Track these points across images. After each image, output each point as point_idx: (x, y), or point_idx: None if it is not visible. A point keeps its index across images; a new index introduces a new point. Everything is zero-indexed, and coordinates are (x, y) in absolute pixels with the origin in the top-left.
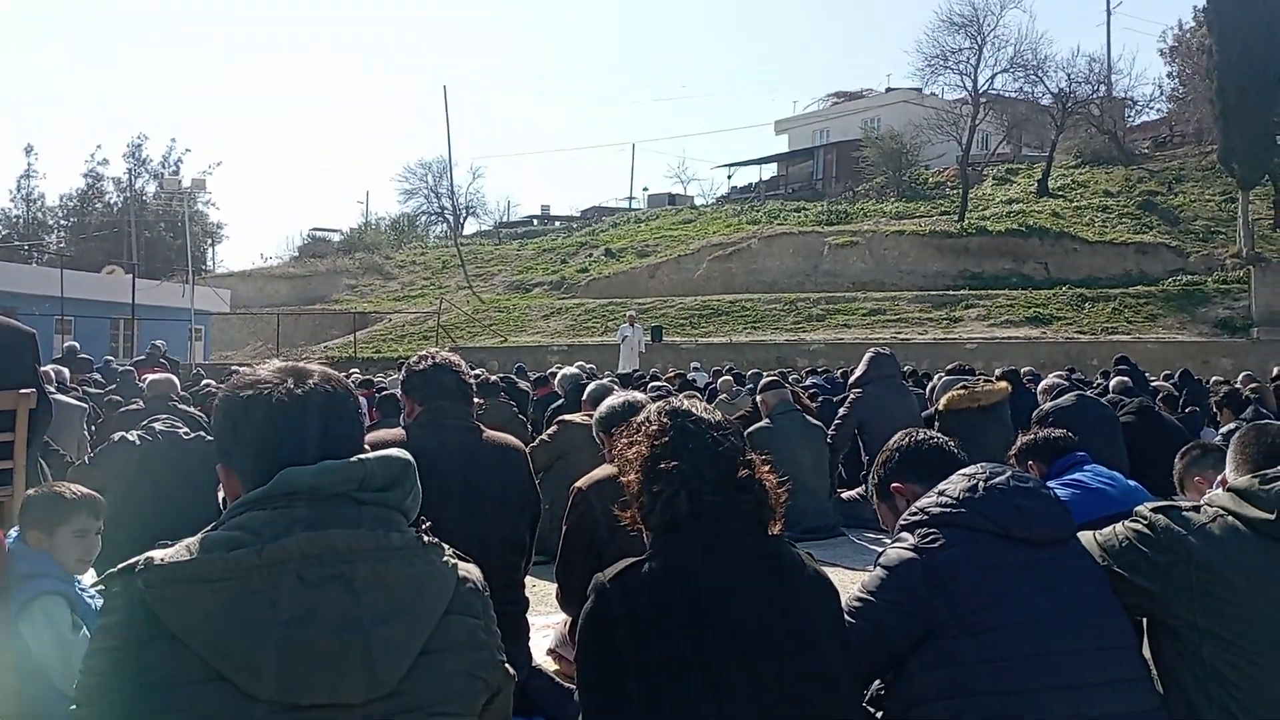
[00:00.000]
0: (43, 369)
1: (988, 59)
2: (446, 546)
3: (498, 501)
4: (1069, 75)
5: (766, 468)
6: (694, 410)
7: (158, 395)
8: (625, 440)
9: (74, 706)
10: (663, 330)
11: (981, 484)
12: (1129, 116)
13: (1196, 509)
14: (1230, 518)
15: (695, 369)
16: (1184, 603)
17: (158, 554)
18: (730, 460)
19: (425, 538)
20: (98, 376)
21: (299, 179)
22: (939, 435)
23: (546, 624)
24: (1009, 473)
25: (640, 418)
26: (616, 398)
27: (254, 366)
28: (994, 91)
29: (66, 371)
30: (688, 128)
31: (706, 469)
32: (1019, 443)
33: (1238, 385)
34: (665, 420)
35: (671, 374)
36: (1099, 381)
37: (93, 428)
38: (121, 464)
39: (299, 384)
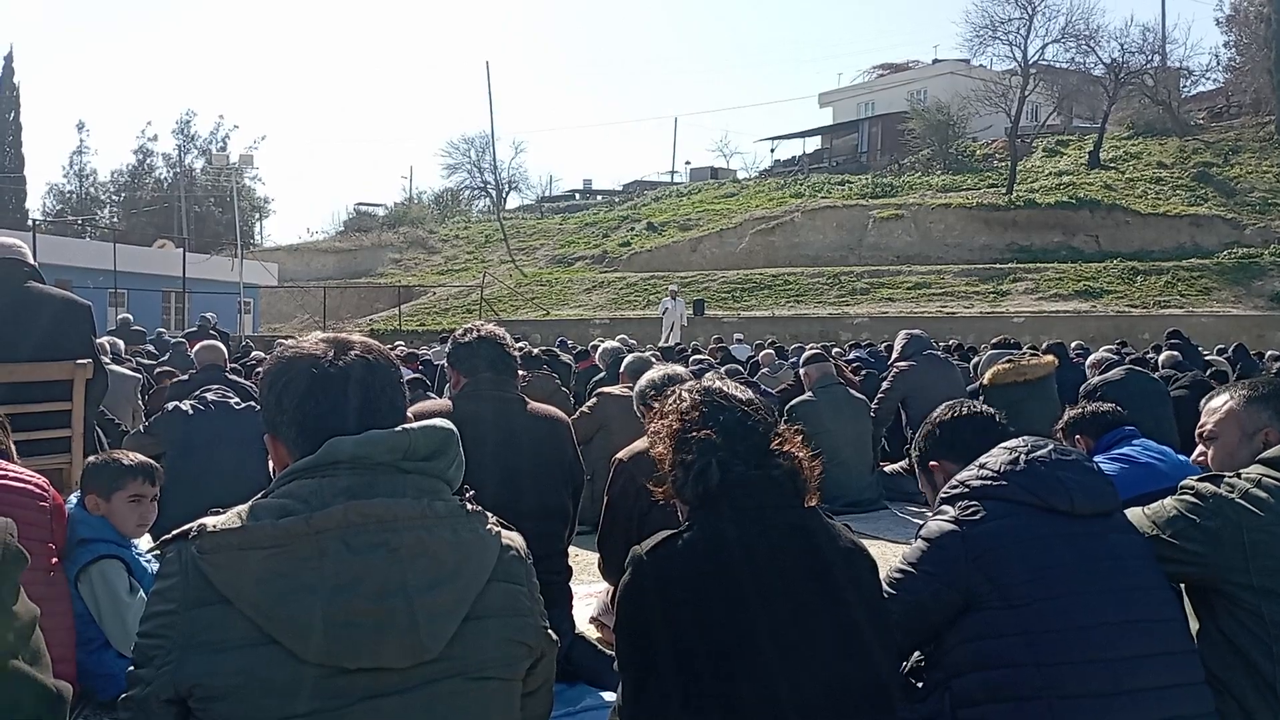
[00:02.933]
0: (98, 340)
1: (1038, 29)
2: (490, 514)
3: (541, 471)
4: (1122, 45)
5: (799, 439)
6: (725, 387)
7: (208, 365)
8: (657, 415)
9: (131, 667)
10: (705, 304)
11: (1023, 457)
12: (1184, 87)
13: (1239, 475)
14: (1274, 479)
15: (739, 341)
16: (1239, 565)
17: (210, 521)
18: (762, 433)
19: (469, 506)
20: (151, 348)
21: (344, 154)
22: (982, 407)
23: (589, 592)
24: (1051, 446)
25: (671, 395)
26: (656, 371)
27: (298, 338)
28: (1044, 62)
29: (121, 343)
30: (730, 101)
31: (738, 441)
32: (1066, 416)
33: None
34: (696, 396)
35: (713, 347)
36: (1150, 356)
37: (146, 397)
38: (176, 432)
39: (341, 355)
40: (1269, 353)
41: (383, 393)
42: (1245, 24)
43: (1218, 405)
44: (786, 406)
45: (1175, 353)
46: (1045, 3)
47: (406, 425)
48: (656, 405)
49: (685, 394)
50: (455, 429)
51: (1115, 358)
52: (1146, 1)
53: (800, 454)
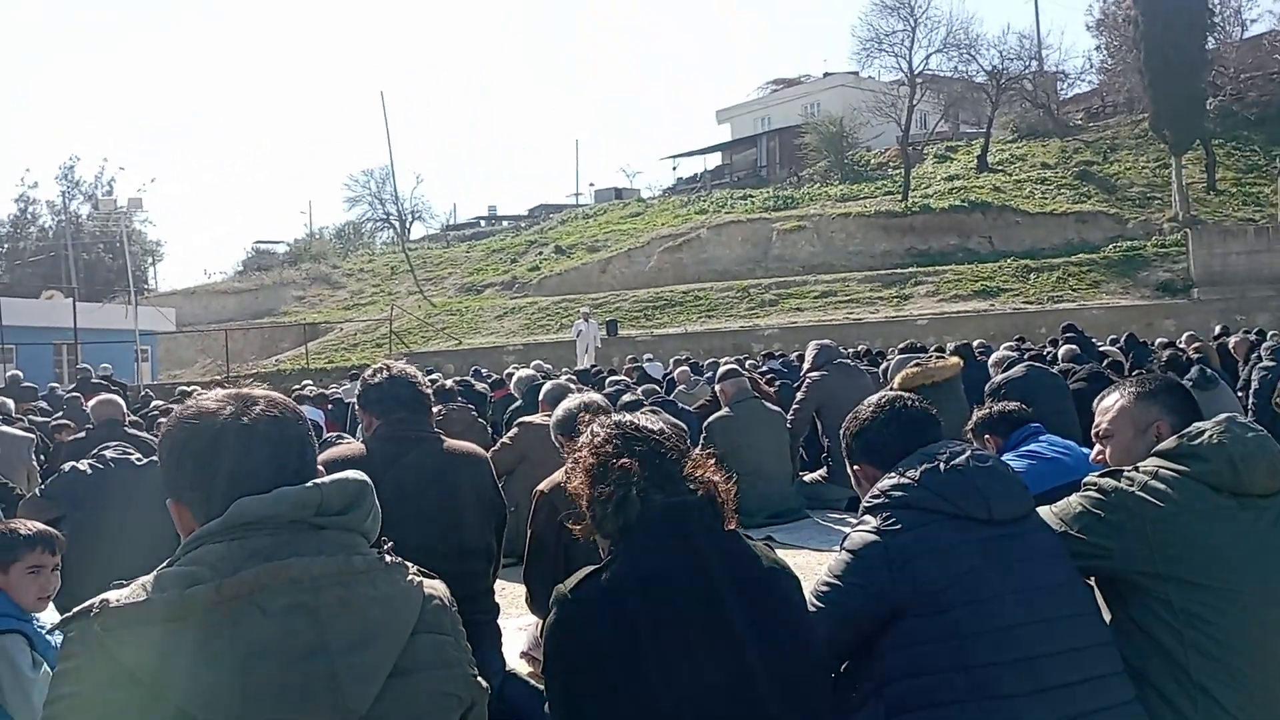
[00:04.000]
0: None
1: (921, 40)
2: (410, 565)
3: (462, 511)
4: (1001, 53)
5: (712, 463)
6: (635, 419)
7: (105, 420)
8: (571, 454)
9: None
10: (618, 324)
11: (942, 464)
12: (1061, 90)
13: (1137, 468)
14: (1169, 470)
15: (648, 360)
16: (1144, 555)
17: (113, 595)
18: (675, 460)
19: (388, 558)
20: (43, 404)
21: (239, 192)
22: (909, 401)
23: (518, 626)
24: (969, 452)
25: (584, 434)
26: (573, 400)
27: (197, 396)
28: (929, 72)
29: (11, 403)
30: (630, 121)
31: (653, 470)
32: (974, 417)
33: (1181, 346)
34: (609, 430)
35: (629, 367)
36: (1048, 350)
37: (42, 457)
38: (75, 494)
39: (244, 411)
40: (1158, 340)
41: (290, 448)
42: (1115, 27)
43: (1110, 404)
44: (705, 423)
45: (1073, 346)
46: (927, 15)
47: (318, 480)
48: (573, 440)
49: (598, 429)
50: (368, 480)
51: (1016, 355)
52: (1021, 10)
53: (715, 477)
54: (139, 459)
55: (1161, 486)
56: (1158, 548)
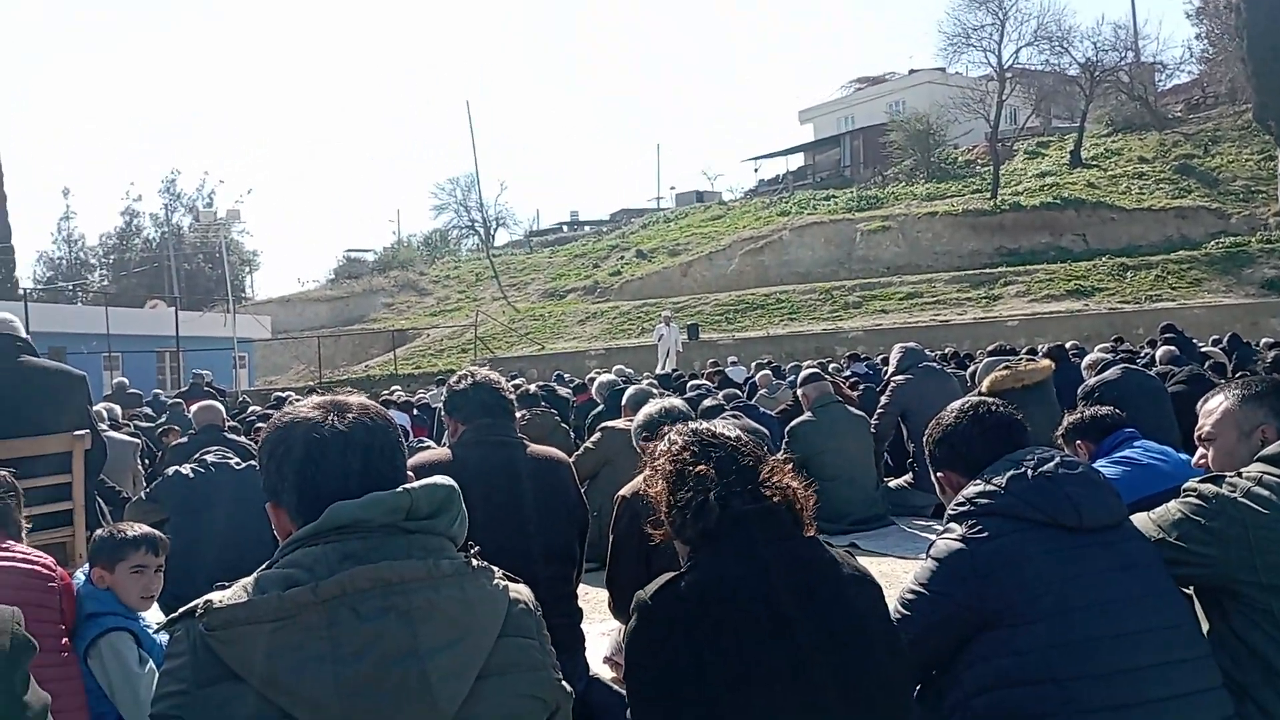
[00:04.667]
0: (94, 408)
1: (1010, 33)
2: (496, 569)
3: (545, 515)
4: (1095, 44)
5: (790, 469)
6: (712, 426)
7: (206, 425)
8: (649, 460)
9: None
10: (699, 328)
11: (1030, 471)
12: (1159, 81)
13: (1240, 474)
14: (1275, 476)
15: (733, 364)
16: (1247, 564)
17: (216, 596)
18: (753, 467)
19: (474, 562)
20: (148, 410)
21: (331, 202)
22: (994, 406)
23: (602, 631)
24: (1057, 459)
25: (661, 439)
26: (654, 405)
27: (293, 403)
28: (1019, 65)
29: (118, 408)
30: (712, 124)
31: (732, 477)
32: (1065, 423)
33: None
34: (686, 438)
35: (710, 371)
36: (1146, 351)
37: (146, 461)
38: (177, 497)
39: (339, 418)
40: (1264, 340)
41: (382, 454)
42: (1215, 15)
43: (1214, 407)
44: (787, 428)
45: (1172, 347)
46: (1016, 7)
47: (407, 485)
48: (653, 445)
49: (675, 436)
50: (456, 485)
51: (1111, 357)
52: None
53: (794, 484)
54: (238, 463)
55: (1266, 493)
56: (1261, 556)
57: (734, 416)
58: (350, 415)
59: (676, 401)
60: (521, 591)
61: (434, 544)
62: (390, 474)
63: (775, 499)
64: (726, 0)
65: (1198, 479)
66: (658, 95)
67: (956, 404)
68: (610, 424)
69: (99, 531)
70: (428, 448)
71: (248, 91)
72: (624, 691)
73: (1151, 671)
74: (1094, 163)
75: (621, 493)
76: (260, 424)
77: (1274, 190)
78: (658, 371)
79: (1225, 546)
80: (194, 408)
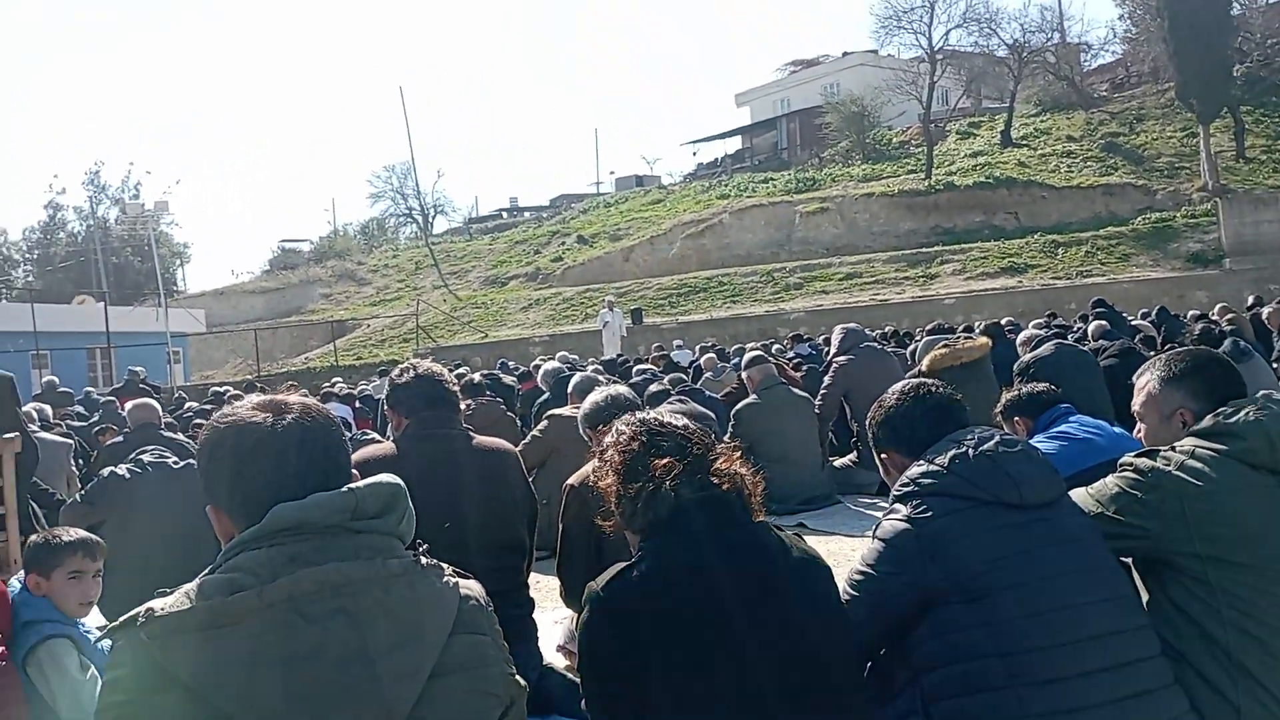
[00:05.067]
0: (23, 409)
1: (940, 15)
2: (446, 566)
3: (494, 507)
4: (1022, 26)
5: (738, 456)
6: (660, 416)
7: (142, 424)
8: (598, 453)
9: None
10: (643, 312)
11: (970, 451)
12: (1085, 61)
13: (1174, 448)
14: (1208, 449)
15: (678, 347)
16: (1183, 535)
17: (158, 604)
18: (703, 456)
19: (423, 560)
20: (80, 409)
21: (263, 192)
22: (935, 387)
23: (554, 620)
24: (997, 437)
25: (609, 434)
26: (600, 393)
27: (232, 404)
28: (950, 47)
29: (49, 408)
30: (649, 108)
31: (682, 468)
32: (1003, 400)
33: (1214, 318)
34: (634, 428)
35: (655, 355)
36: (1079, 326)
37: (80, 462)
38: (114, 499)
39: (279, 419)
40: (1190, 312)
41: (325, 453)
42: None
43: (1141, 385)
44: (733, 411)
45: (1103, 322)
46: None
47: (352, 485)
48: (601, 429)
49: (623, 427)
50: (402, 483)
51: (1045, 333)
52: None
53: (742, 470)
54: (175, 462)
55: (1199, 465)
56: (1196, 527)
57: (680, 401)
58: (291, 415)
59: (622, 389)
60: (472, 588)
61: (381, 544)
62: (334, 474)
63: (725, 486)
64: None
65: (1133, 453)
66: (595, 79)
67: (898, 386)
68: (556, 412)
69: (33, 537)
70: (372, 440)
71: (174, 79)
72: (578, 680)
73: (1095, 643)
74: (1024, 142)
75: (570, 481)
76: (199, 421)
77: (1197, 166)
78: (603, 357)
79: (1162, 519)
80: (129, 405)
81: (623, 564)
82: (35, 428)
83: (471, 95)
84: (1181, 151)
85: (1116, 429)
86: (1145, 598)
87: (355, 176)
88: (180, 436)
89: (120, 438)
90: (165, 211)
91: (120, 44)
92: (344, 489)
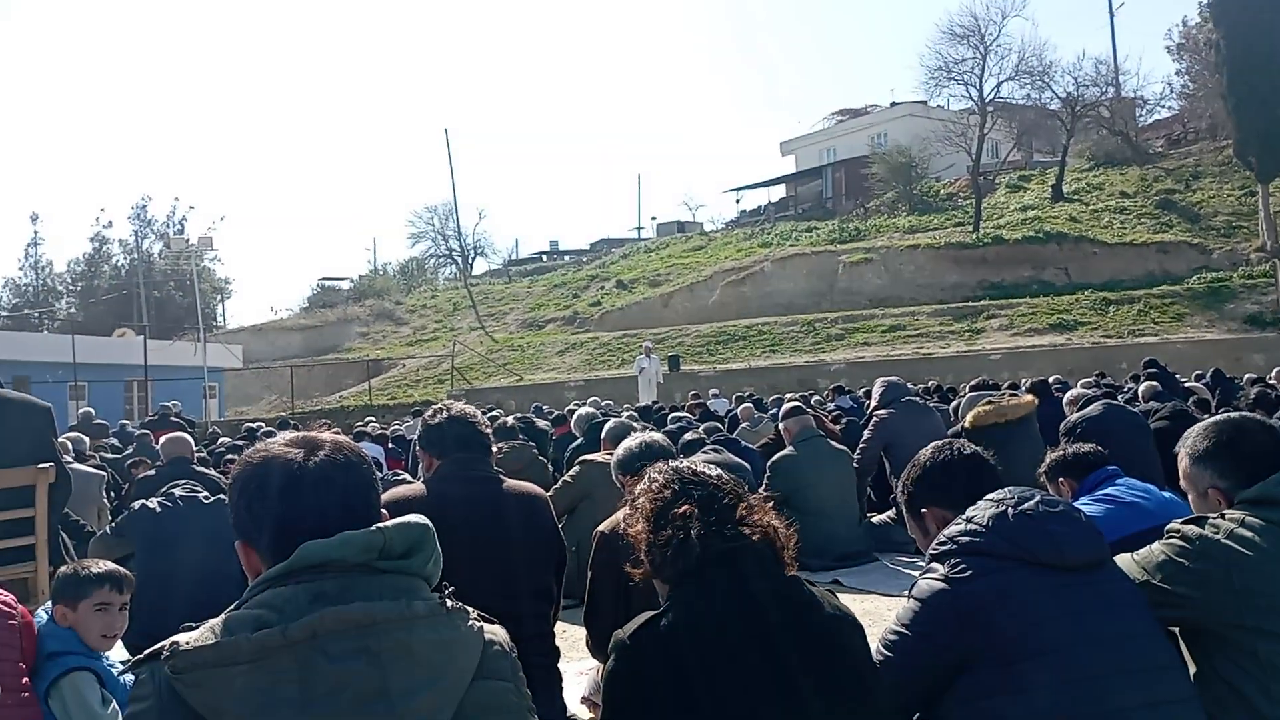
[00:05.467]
0: (59, 439)
1: (992, 68)
2: (471, 609)
3: (523, 552)
4: (1076, 79)
5: (770, 507)
6: (693, 465)
7: (175, 458)
8: (629, 500)
9: None
10: (680, 359)
11: (1010, 510)
12: (1140, 116)
13: (1223, 515)
14: (1257, 517)
15: (715, 396)
16: (1231, 606)
17: (183, 638)
18: (734, 506)
19: (449, 602)
20: (114, 441)
21: (305, 230)
22: (970, 447)
23: (579, 670)
24: (1038, 497)
25: (641, 481)
26: (634, 439)
27: (265, 440)
28: (1001, 99)
29: (85, 439)
30: (693, 154)
31: (712, 515)
32: (1048, 460)
33: (1271, 381)
34: (666, 476)
35: (691, 403)
36: (1129, 386)
37: (112, 494)
38: (144, 532)
39: (311, 456)
40: (1246, 376)
41: (356, 491)
42: (1195, 51)
43: (1180, 457)
44: (769, 462)
45: (1155, 383)
46: (998, 42)
47: (381, 524)
48: (632, 480)
49: (656, 475)
50: (430, 524)
51: (1093, 392)
52: (1096, 35)
53: (775, 522)
54: (206, 497)
55: (1248, 534)
56: (1244, 598)
57: (715, 450)
58: (323, 453)
59: (657, 436)
60: (497, 632)
61: (407, 584)
62: (363, 512)
63: (756, 537)
64: (708, 31)
65: (1181, 520)
66: (639, 125)
67: (933, 445)
68: (589, 457)
69: (62, 568)
70: (403, 481)
71: (222, 116)
72: None
73: (1133, 713)
74: (1075, 197)
75: (600, 528)
76: (231, 456)
77: (1255, 226)
78: (639, 404)
79: (1209, 589)
80: (162, 439)
81: (650, 613)
82: (69, 458)
83: (515, 137)
84: (1239, 210)
85: (1166, 493)
86: (1192, 669)
87: (397, 216)
88: (212, 472)
89: (153, 471)
90: (209, 247)
91: (171, 78)
92: (372, 528)
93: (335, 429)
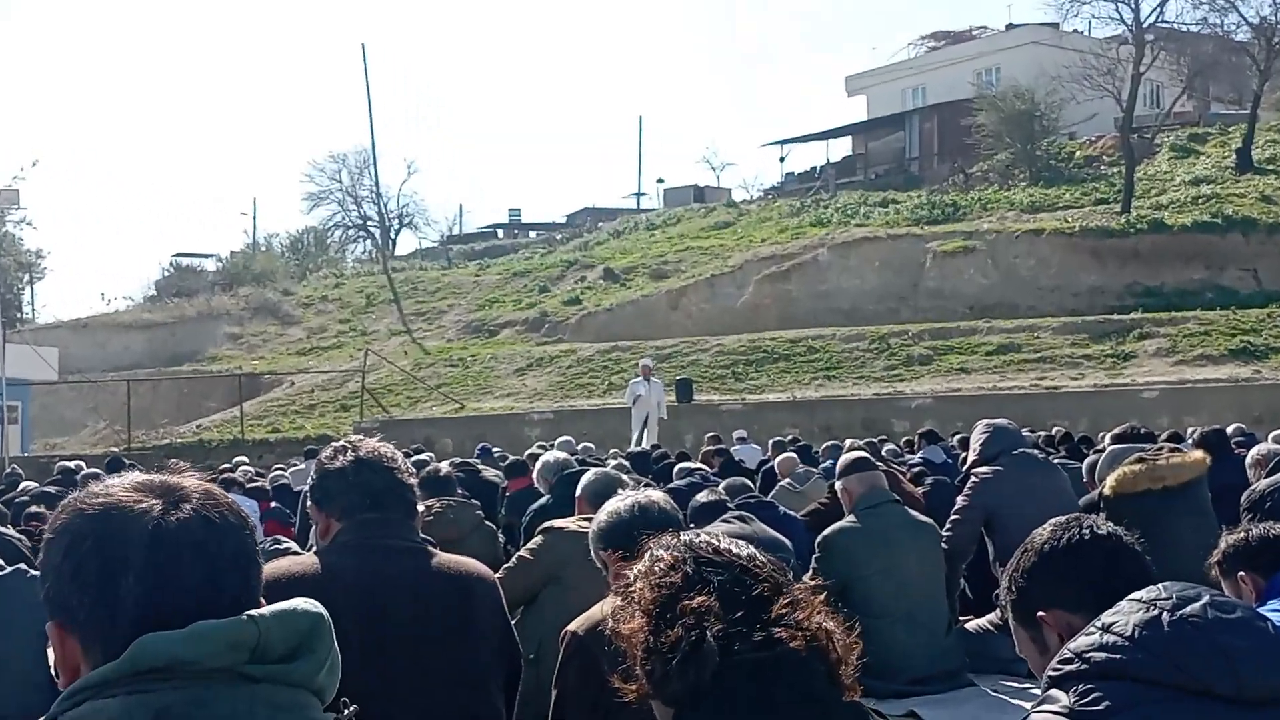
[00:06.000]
0: None
1: None
2: None
3: (456, 658)
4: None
5: (822, 600)
6: (715, 540)
7: None
8: (621, 586)
9: None
10: (692, 385)
11: (1165, 615)
12: None
13: None
14: None
15: (741, 441)
16: None
17: None
18: (770, 599)
19: None
20: None
21: (155, 186)
22: (1109, 527)
23: None
24: (1207, 598)
25: (641, 560)
26: (623, 500)
27: (103, 482)
28: (1165, 24)
29: None
30: (719, 91)
31: (739, 612)
32: (1223, 545)
33: None
34: (676, 554)
35: (709, 450)
36: None
37: None
38: None
39: (172, 509)
40: None
41: (233, 564)
42: None
43: None
44: (820, 538)
45: None
46: None
47: (254, 612)
48: (620, 558)
49: (661, 551)
50: (326, 614)
51: None
52: None
53: (829, 624)
54: (0, 565)
55: None
56: None
57: (741, 520)
58: (189, 505)
59: (657, 496)
60: None
61: (289, 699)
62: (239, 595)
63: (799, 644)
64: None
65: None
66: (641, 47)
67: (1055, 520)
68: (558, 524)
69: None
70: (287, 551)
71: (36, 29)
72: None
73: None
74: (1271, 167)
75: (571, 628)
76: (38, 509)
77: None
78: (631, 448)
79: None
80: None
81: None
82: None
83: (463, 60)
84: None
85: None
86: None
87: (288, 169)
88: (9, 530)
89: None
90: (14, 205)
91: None
92: (242, 617)
93: (202, 473)
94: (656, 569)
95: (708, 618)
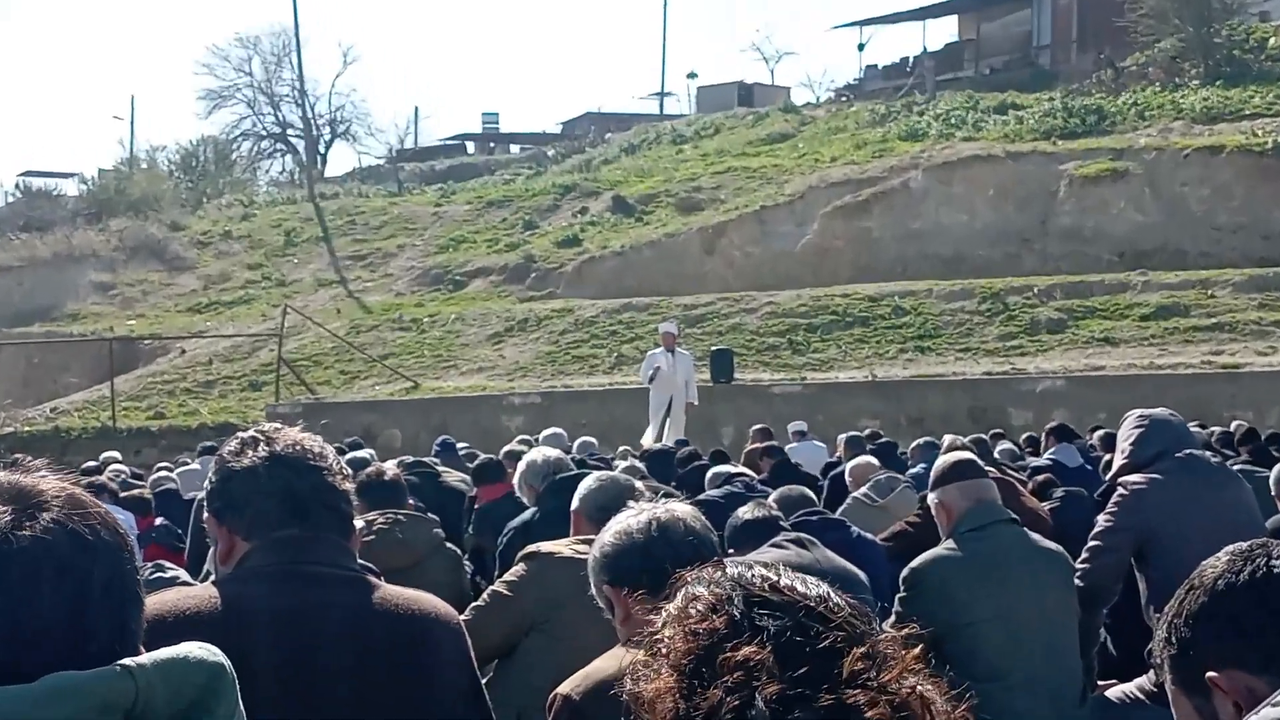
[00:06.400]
0: None
1: None
2: None
3: None
4: None
5: (914, 655)
6: (773, 574)
7: None
8: (641, 635)
9: None
10: (733, 359)
11: None
12: None
13: None
14: None
15: (801, 435)
16: None
17: None
18: (842, 652)
19: None
20: None
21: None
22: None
23: None
24: None
25: (674, 598)
26: (637, 515)
27: None
28: None
29: None
30: None
31: (802, 668)
32: None
33: None
34: (721, 590)
35: (755, 448)
36: None
37: None
38: None
39: (25, 520)
40: None
41: (107, 596)
42: None
43: None
44: (907, 570)
45: None
46: None
47: (130, 661)
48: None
49: (699, 589)
50: (226, 662)
51: None
52: None
53: (925, 689)
54: None
55: None
56: None
57: (798, 544)
58: (47, 516)
59: (682, 510)
60: None
61: None
62: (109, 635)
63: (881, 713)
64: None
65: None
66: None
67: (1231, 548)
68: (546, 548)
69: None
70: (177, 582)
71: None
72: None
73: None
74: None
75: (563, 690)
76: None
77: None
78: (646, 442)
79: None
80: None
81: None
82: None
83: None
84: None
85: None
86: None
87: (180, 57)
88: None
89: None
90: None
91: None
92: (114, 667)
93: (66, 472)
94: (693, 611)
95: (759, 675)
